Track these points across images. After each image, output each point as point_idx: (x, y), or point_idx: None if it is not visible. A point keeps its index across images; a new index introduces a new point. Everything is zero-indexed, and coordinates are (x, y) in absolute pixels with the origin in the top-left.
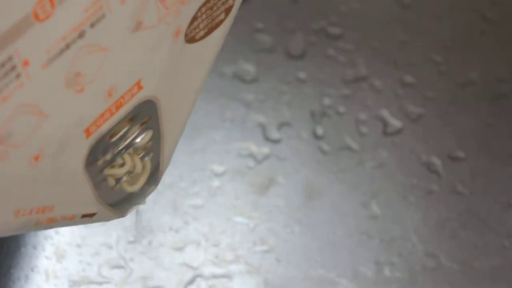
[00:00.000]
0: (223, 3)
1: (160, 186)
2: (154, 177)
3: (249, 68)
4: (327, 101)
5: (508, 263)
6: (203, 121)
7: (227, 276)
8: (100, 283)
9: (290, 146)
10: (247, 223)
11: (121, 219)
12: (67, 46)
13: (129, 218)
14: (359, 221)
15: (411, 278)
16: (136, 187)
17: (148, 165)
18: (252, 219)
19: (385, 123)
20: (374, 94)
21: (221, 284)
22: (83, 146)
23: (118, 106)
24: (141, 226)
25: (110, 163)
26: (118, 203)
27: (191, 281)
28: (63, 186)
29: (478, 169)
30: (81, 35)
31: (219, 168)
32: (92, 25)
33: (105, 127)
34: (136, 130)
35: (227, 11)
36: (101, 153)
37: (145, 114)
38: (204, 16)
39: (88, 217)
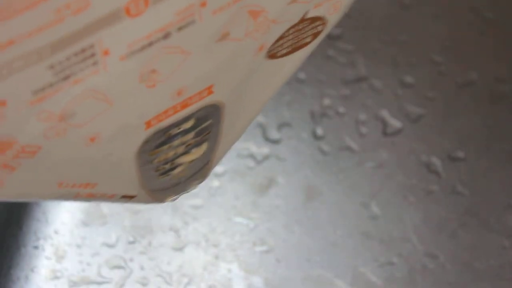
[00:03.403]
0: (312, 28)
1: None
2: (201, 172)
3: None
4: (327, 101)
5: (508, 263)
6: None
7: (227, 276)
8: (100, 283)
9: (290, 147)
10: (247, 224)
11: (120, 219)
12: (150, 44)
13: (129, 218)
14: (359, 221)
15: (411, 278)
16: (181, 179)
17: (199, 162)
18: (252, 220)
19: (385, 123)
20: (374, 94)
21: (221, 284)
22: (140, 136)
23: (184, 106)
24: (141, 226)
25: (162, 155)
26: (161, 190)
27: (191, 282)
28: (111, 168)
29: (478, 169)
30: (166, 36)
31: (219, 168)
32: (180, 29)
33: (166, 122)
34: (195, 128)
35: (315, 35)
36: (155, 145)
37: (208, 116)
38: (291, 37)
39: (127, 198)
